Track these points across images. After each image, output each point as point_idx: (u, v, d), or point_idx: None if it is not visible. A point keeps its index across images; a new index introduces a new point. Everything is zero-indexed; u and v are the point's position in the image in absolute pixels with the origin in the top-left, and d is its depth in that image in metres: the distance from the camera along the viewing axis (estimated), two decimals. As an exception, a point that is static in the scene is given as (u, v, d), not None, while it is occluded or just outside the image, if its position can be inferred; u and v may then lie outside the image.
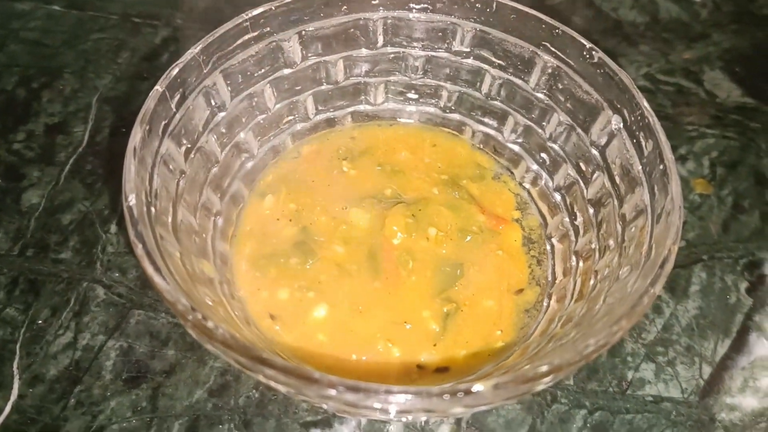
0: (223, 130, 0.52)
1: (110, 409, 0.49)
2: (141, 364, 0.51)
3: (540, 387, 0.36)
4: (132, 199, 0.40)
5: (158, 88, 0.46)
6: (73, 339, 0.52)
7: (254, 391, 0.50)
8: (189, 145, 0.49)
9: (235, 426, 0.49)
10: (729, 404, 0.51)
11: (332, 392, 0.34)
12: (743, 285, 0.58)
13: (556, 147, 0.54)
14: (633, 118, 0.47)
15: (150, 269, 0.37)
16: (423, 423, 0.49)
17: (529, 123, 0.56)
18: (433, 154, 0.58)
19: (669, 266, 0.39)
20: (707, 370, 0.53)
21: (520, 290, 0.51)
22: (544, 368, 0.35)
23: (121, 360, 0.52)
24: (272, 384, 0.37)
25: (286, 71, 0.54)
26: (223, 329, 0.35)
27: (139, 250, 0.38)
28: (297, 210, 0.53)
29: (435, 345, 0.47)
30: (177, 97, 0.47)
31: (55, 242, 0.58)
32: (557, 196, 0.55)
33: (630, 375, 0.52)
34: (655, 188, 0.44)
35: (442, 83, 0.58)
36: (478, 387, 0.34)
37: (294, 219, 0.53)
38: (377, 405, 0.34)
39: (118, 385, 0.50)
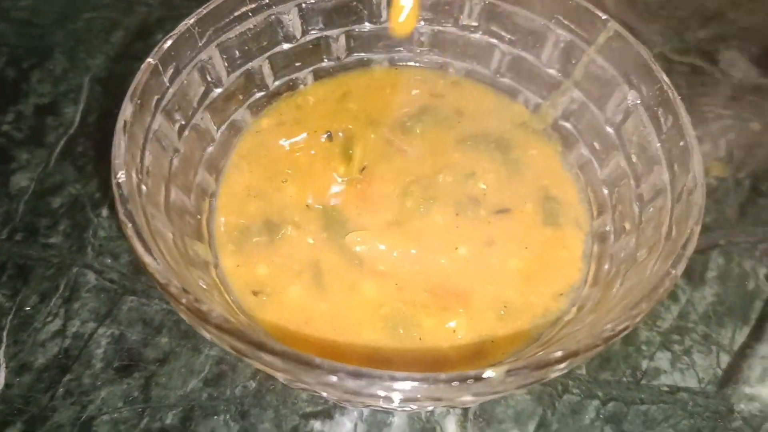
0: (219, 107, 0.50)
1: (101, 398, 0.47)
2: (133, 352, 0.49)
3: (554, 374, 0.34)
4: (122, 176, 0.38)
5: (150, 60, 0.44)
6: (63, 326, 0.50)
7: (251, 380, 0.48)
8: (183, 122, 0.47)
9: (231, 417, 0.47)
10: (748, 394, 0.49)
11: (333, 379, 0.32)
12: (762, 271, 0.55)
13: (568, 125, 0.52)
14: (651, 93, 0.45)
15: (140, 249, 0.35)
16: (428, 414, 0.47)
17: (540, 100, 0.53)
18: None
19: (691, 247, 0.37)
20: (725, 359, 0.51)
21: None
22: (559, 354, 0.32)
23: (112, 348, 0.49)
24: (269, 371, 0.35)
25: (286, 46, 0.52)
26: (217, 313, 0.33)
27: (129, 229, 0.36)
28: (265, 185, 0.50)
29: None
30: (170, 71, 0.45)
31: (45, 226, 0.55)
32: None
33: (644, 364, 0.50)
34: (675, 166, 0.42)
35: (448, 59, 0.56)
36: (489, 373, 0.32)
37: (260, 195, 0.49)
38: (381, 392, 0.32)
39: (109, 374, 0.48)
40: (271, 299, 0.44)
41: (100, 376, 0.48)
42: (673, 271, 0.36)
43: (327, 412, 0.47)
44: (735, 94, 0.67)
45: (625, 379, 0.49)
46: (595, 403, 0.48)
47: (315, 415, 0.47)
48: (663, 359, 0.50)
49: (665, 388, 0.49)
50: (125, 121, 0.40)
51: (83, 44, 0.68)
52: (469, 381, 0.32)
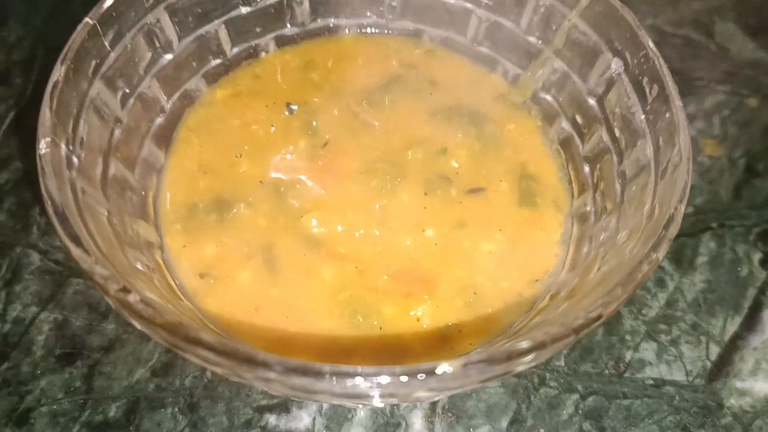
0: (170, 76, 0.46)
1: (40, 389, 0.44)
2: (76, 339, 0.46)
3: (521, 367, 0.30)
4: (45, 146, 0.34)
5: (88, 20, 0.40)
6: (2, 310, 0.47)
7: (203, 371, 0.44)
8: (127, 90, 0.43)
9: (179, 410, 0.43)
10: (739, 389, 0.46)
11: (271, 375, 0.28)
12: (756, 256, 0.52)
13: (548, 98, 0.48)
14: (636, 61, 0.41)
15: (60, 230, 0.32)
16: (393, 408, 0.44)
17: (519, 70, 0.49)
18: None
19: (674, 228, 0.33)
20: (715, 351, 0.47)
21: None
22: (525, 344, 0.29)
23: (54, 334, 0.46)
24: (206, 365, 0.31)
25: (244, 10, 0.48)
26: (146, 303, 0.29)
27: (49, 206, 0.32)
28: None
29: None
30: (112, 34, 0.41)
31: (-12, 203, 0.52)
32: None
33: (628, 355, 0.46)
34: (660, 140, 0.38)
35: (422, 26, 0.52)
36: (444, 367, 0.28)
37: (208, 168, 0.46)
38: (326, 389, 0.29)
39: (49, 363, 0.45)
40: (218, 283, 0.41)
41: (40, 364, 0.45)
42: (654, 255, 0.32)
43: (283, 405, 0.44)
44: (731, 68, 0.63)
45: (607, 371, 0.46)
46: (574, 397, 0.45)
47: (270, 409, 0.43)
48: (648, 350, 0.47)
49: (650, 382, 0.46)
50: (53, 85, 0.37)
51: (39, 11, 0.64)
52: (420, 375, 0.28)
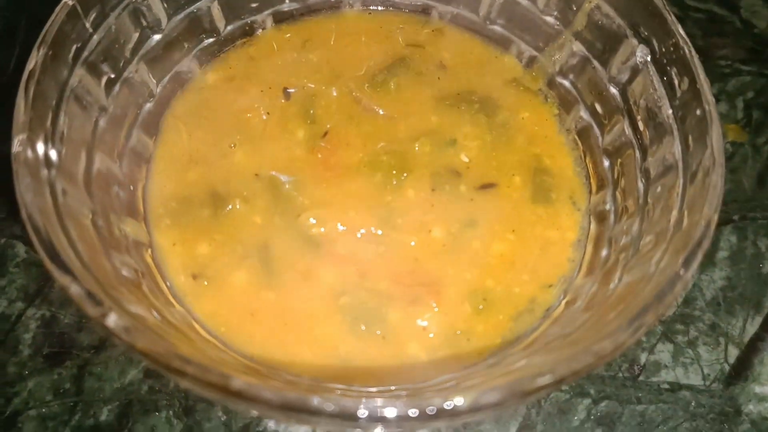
0: (159, 57, 0.43)
1: (27, 390, 0.42)
2: (66, 337, 0.44)
3: (535, 399, 0.28)
4: (19, 145, 0.31)
5: (67, 1, 0.36)
6: (-14, 306, 0.44)
7: (197, 372, 0.42)
8: (112, 75, 0.40)
9: (174, 413, 0.41)
10: (758, 394, 0.44)
11: (254, 413, 0.26)
12: (779, 251, 0.49)
13: (566, 83, 0.45)
14: (663, 50, 0.38)
15: (36, 241, 0.29)
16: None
17: (535, 53, 0.46)
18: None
19: (706, 243, 0.31)
20: (734, 353, 0.45)
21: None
22: (546, 379, 0.26)
23: (42, 332, 0.44)
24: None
25: (239, -17, 0.44)
26: (126, 328, 0.27)
27: (24, 214, 0.30)
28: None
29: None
30: (93, 14, 0.38)
31: (-31, 190, 0.49)
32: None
33: (643, 358, 0.44)
34: (690, 138, 0.35)
35: (431, 2, 0.48)
36: (457, 400, 0.26)
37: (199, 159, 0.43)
38: (322, 422, 0.27)
39: (37, 363, 0.43)
40: (212, 284, 0.38)
41: (27, 364, 0.43)
42: (684, 273, 0.30)
43: (282, 410, 0.42)
44: (756, 46, 0.59)
45: (620, 374, 0.44)
46: (586, 401, 0.43)
47: (268, 413, 0.42)
48: (664, 352, 0.45)
49: (665, 386, 0.44)
50: (30, 75, 0.34)
51: (21, -22, 0.60)
52: (430, 409, 0.26)
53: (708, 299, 0.47)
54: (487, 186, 0.41)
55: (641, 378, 0.44)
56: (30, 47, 0.56)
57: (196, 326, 0.37)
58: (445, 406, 0.26)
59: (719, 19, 0.61)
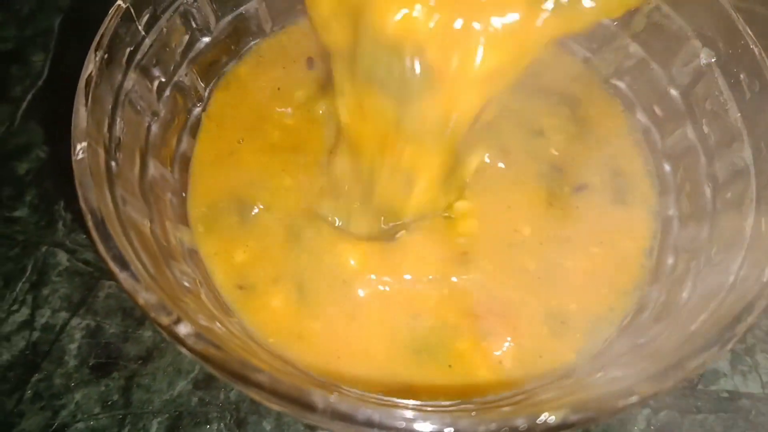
0: (208, 60, 0.42)
1: (74, 402, 0.41)
2: (111, 347, 0.43)
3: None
4: (82, 152, 0.30)
5: (121, 3, 0.35)
6: (30, 316, 0.43)
7: (249, 383, 0.41)
8: (163, 79, 0.39)
9: (225, 425, 0.40)
10: (820, 402, 0.43)
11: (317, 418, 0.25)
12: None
13: (621, 85, 0.44)
14: (731, 52, 0.37)
15: (104, 251, 0.28)
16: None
17: (589, 54, 0.45)
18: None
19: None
20: (793, 360, 0.44)
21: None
22: (634, 399, 0.25)
23: (87, 342, 0.43)
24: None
25: (285, -18, 0.43)
26: (197, 336, 0.26)
27: (91, 223, 0.29)
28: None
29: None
30: (146, 16, 0.37)
31: (8, 197, 0.48)
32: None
33: (702, 366, 0.43)
34: (762, 144, 0.34)
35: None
36: (546, 416, 0.25)
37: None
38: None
39: (84, 374, 0.42)
40: (254, 296, 0.37)
41: (73, 375, 0.42)
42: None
43: (336, 421, 0.41)
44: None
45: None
46: (645, 411, 0.42)
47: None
48: (722, 360, 0.44)
49: (725, 394, 0.43)
50: (88, 80, 0.33)
51: (53, -20, 0.60)
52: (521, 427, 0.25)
53: (765, 306, 0.46)
54: (581, 188, 0.40)
55: (700, 387, 0.43)
56: (63, 51, 0.55)
57: (251, 341, 0.36)
58: (538, 422, 0.25)
59: (761, 19, 0.60)
